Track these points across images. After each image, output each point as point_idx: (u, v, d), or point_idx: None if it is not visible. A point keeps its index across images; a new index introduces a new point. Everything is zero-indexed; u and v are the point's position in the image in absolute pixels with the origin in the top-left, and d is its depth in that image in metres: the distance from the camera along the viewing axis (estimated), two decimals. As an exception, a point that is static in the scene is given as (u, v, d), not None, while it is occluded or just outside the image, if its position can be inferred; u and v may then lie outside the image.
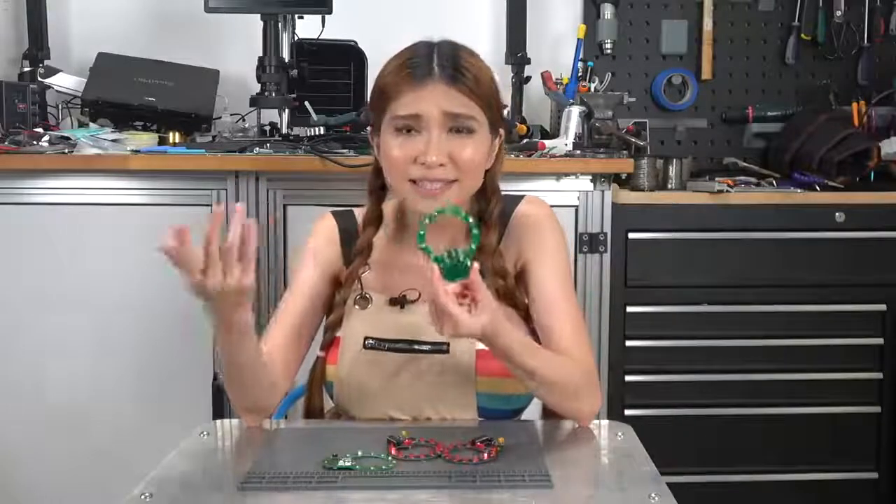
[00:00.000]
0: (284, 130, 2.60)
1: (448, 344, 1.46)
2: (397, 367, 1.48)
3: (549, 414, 1.52)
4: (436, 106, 1.42)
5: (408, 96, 1.42)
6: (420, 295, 1.49)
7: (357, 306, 1.51)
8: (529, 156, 2.44)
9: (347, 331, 1.51)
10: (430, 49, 1.46)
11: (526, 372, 1.38)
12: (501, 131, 1.53)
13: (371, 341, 1.49)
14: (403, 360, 1.48)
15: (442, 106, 1.42)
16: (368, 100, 1.54)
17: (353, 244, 1.55)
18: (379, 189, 1.56)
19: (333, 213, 1.61)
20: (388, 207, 1.58)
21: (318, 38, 2.73)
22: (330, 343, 1.52)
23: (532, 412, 1.58)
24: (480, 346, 1.45)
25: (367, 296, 1.52)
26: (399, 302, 1.50)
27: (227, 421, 1.51)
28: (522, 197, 1.58)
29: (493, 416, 1.48)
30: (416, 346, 1.47)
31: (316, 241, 1.59)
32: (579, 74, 2.81)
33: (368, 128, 1.56)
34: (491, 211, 1.52)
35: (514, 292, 1.51)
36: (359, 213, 1.59)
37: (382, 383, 1.48)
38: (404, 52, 1.48)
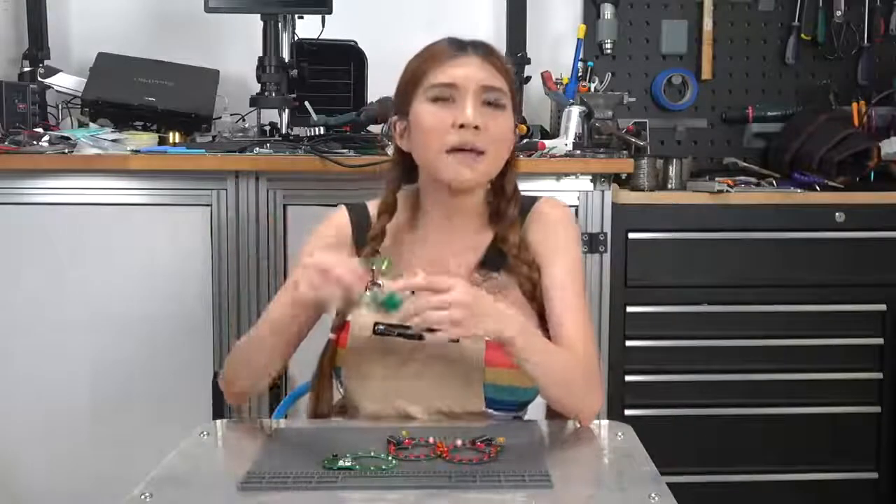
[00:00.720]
0: (284, 130, 2.60)
1: None
2: (406, 353, 1.48)
3: (553, 414, 1.53)
4: (473, 76, 1.49)
5: (445, 65, 1.49)
6: None
7: (368, 293, 1.52)
8: (529, 156, 2.44)
9: (357, 316, 1.51)
10: (455, 38, 1.54)
11: (529, 363, 1.39)
12: (516, 131, 1.58)
13: (381, 327, 1.49)
14: (412, 346, 1.48)
15: (478, 77, 1.49)
16: (394, 93, 1.59)
17: (366, 234, 1.57)
18: (396, 179, 1.58)
19: (347, 205, 1.63)
20: (402, 197, 1.60)
21: (318, 38, 2.72)
22: (340, 326, 1.53)
23: (537, 413, 1.58)
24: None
25: (379, 283, 1.52)
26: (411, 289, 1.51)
27: (227, 421, 1.51)
28: (538, 197, 1.61)
29: (501, 408, 1.49)
30: (426, 334, 1.47)
31: (325, 239, 1.60)
32: (579, 74, 2.81)
33: (393, 118, 1.58)
34: (512, 210, 1.55)
35: (537, 285, 1.52)
36: (371, 206, 1.61)
37: (390, 369, 1.48)
38: (430, 44, 1.54)
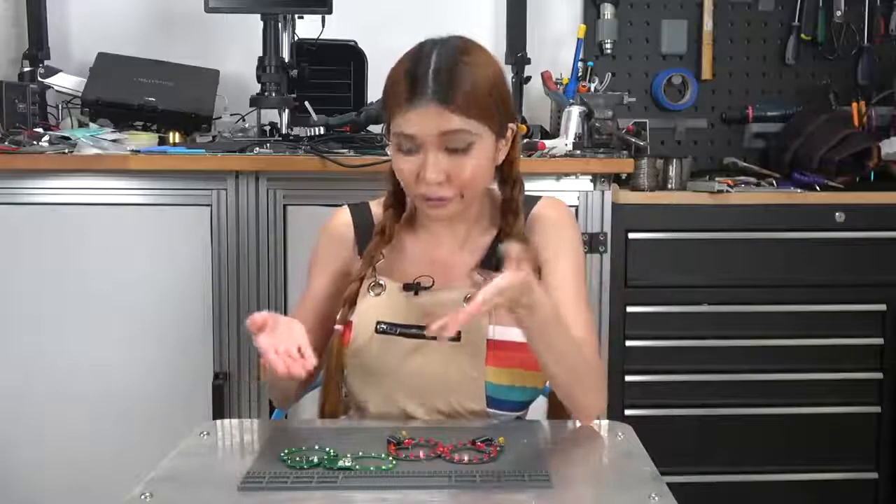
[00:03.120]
0: (284, 130, 2.60)
1: (459, 331, 1.46)
2: (408, 352, 1.48)
3: (555, 415, 1.53)
4: (430, 127, 1.42)
5: (404, 115, 1.43)
6: (434, 282, 1.51)
7: (371, 292, 1.52)
8: (529, 156, 2.44)
9: (360, 315, 1.51)
10: (428, 57, 1.44)
11: (553, 351, 1.38)
12: (512, 125, 1.53)
13: (383, 325, 1.50)
14: (414, 345, 1.48)
15: (437, 127, 1.42)
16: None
17: (369, 235, 1.57)
18: (396, 183, 1.55)
19: (350, 206, 1.62)
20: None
21: (318, 38, 2.73)
22: (344, 321, 1.53)
23: (537, 413, 1.58)
24: (492, 335, 1.47)
25: (381, 282, 1.53)
26: (413, 288, 1.51)
27: (227, 421, 1.52)
28: (539, 198, 1.59)
29: (502, 407, 1.49)
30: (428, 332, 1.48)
31: (328, 245, 1.60)
32: (579, 74, 2.81)
33: (384, 126, 1.55)
34: (516, 199, 1.54)
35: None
36: (375, 206, 1.61)
37: (393, 368, 1.48)
38: (407, 58, 1.47)
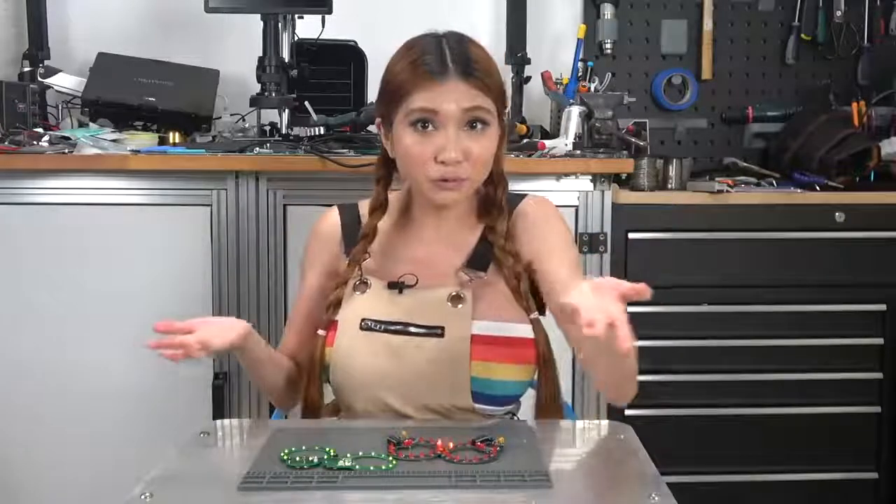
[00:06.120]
0: (284, 130, 2.60)
1: (443, 327, 1.48)
2: (393, 348, 1.49)
3: (542, 414, 1.53)
4: (454, 102, 1.44)
5: (426, 92, 1.45)
6: (417, 280, 1.52)
7: (356, 291, 1.54)
8: (529, 156, 2.44)
9: (345, 313, 1.53)
10: (438, 43, 1.48)
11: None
12: (504, 118, 1.55)
13: (367, 322, 1.50)
14: (399, 341, 1.49)
15: (460, 103, 1.45)
16: (378, 93, 1.56)
17: (356, 236, 1.58)
18: (385, 177, 1.59)
19: (339, 206, 1.65)
20: (394, 196, 1.61)
21: (318, 38, 2.73)
22: (328, 325, 1.54)
23: (525, 413, 1.58)
24: (476, 330, 1.47)
25: (367, 281, 1.54)
26: (397, 286, 1.52)
27: (227, 421, 1.52)
28: (524, 196, 1.60)
29: (489, 402, 1.49)
30: (412, 329, 1.49)
31: (317, 243, 1.63)
32: (579, 74, 2.81)
33: (377, 119, 1.57)
34: (500, 197, 1.55)
35: (521, 280, 1.52)
36: (363, 206, 1.62)
37: (377, 364, 1.49)
38: (414, 48, 1.49)
